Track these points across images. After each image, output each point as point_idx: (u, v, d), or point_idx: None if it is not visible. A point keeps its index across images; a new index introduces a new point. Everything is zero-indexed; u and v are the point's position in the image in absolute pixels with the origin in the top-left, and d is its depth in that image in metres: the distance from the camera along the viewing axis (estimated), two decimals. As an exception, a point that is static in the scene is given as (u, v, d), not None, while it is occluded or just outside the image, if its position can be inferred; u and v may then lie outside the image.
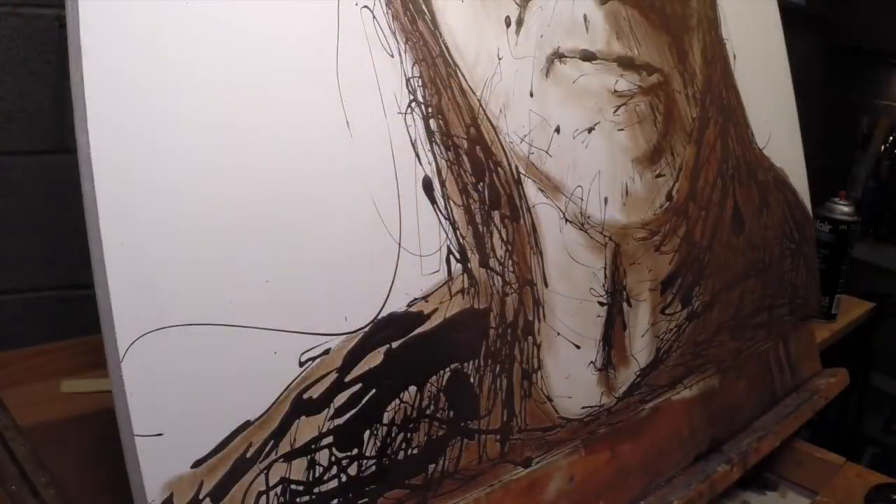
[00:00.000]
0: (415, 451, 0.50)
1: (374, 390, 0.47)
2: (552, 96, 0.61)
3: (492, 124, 0.56)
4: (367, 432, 0.47)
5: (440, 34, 0.54)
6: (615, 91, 0.66)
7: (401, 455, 0.49)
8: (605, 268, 0.65)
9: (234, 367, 0.41)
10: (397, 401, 0.49)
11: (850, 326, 1.22)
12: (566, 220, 0.62)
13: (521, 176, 0.58)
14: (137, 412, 0.37)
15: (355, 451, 0.47)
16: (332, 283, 0.46)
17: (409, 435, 0.49)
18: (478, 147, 0.55)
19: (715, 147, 0.79)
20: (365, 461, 0.47)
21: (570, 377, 0.61)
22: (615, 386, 0.66)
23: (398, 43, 0.50)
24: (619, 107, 0.66)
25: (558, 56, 0.61)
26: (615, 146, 0.66)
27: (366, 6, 0.49)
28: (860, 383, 1.78)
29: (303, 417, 0.44)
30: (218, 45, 0.42)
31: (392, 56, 0.50)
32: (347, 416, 0.46)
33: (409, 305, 0.50)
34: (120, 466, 0.38)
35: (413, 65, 0.51)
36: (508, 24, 0.58)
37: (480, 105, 0.56)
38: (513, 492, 0.55)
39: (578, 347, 0.62)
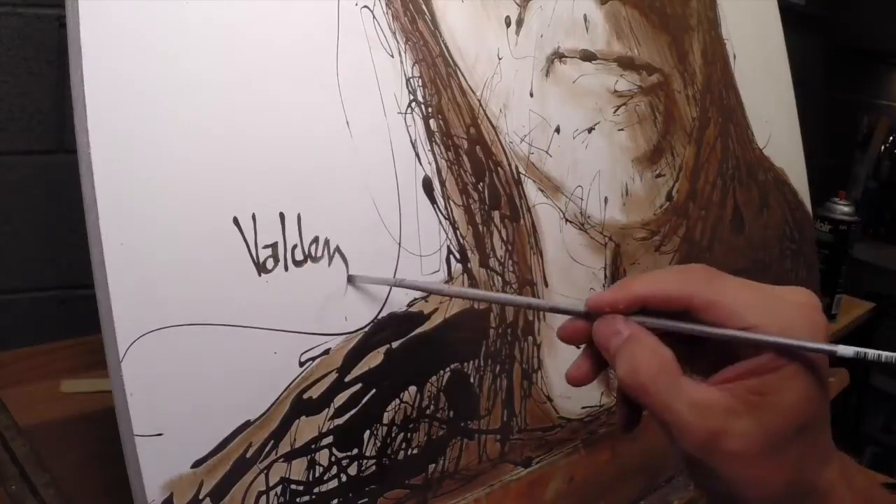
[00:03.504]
0: (415, 451, 0.50)
1: (374, 390, 0.47)
2: (552, 96, 0.61)
3: (492, 124, 0.56)
4: (367, 432, 0.47)
5: (440, 34, 0.53)
6: (615, 91, 0.66)
7: (401, 455, 0.49)
8: (605, 268, 0.65)
9: (234, 367, 0.41)
10: (397, 401, 0.49)
11: (850, 326, 1.22)
12: (566, 220, 0.62)
13: (521, 176, 0.58)
14: (137, 412, 0.37)
15: (355, 451, 0.47)
16: (332, 282, 0.46)
17: (409, 435, 0.49)
18: (478, 147, 0.55)
19: (715, 147, 0.79)
20: (365, 461, 0.47)
21: (570, 377, 0.61)
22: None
23: (398, 43, 0.50)
24: (619, 107, 0.66)
25: (558, 56, 0.61)
26: (615, 146, 0.66)
27: (366, 6, 0.49)
28: (860, 383, 1.78)
29: (303, 417, 0.44)
30: (218, 46, 0.42)
31: (392, 56, 0.50)
32: (347, 416, 0.46)
33: (410, 305, 0.50)
34: (120, 466, 0.38)
35: (413, 65, 0.51)
36: (508, 24, 0.58)
37: (480, 105, 0.56)
38: (513, 492, 0.55)
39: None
